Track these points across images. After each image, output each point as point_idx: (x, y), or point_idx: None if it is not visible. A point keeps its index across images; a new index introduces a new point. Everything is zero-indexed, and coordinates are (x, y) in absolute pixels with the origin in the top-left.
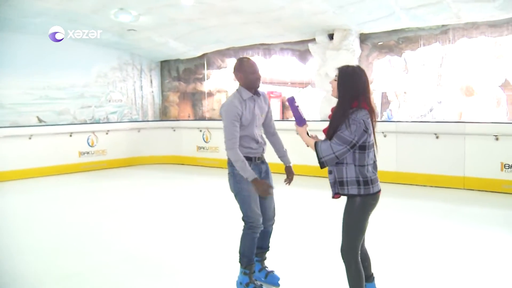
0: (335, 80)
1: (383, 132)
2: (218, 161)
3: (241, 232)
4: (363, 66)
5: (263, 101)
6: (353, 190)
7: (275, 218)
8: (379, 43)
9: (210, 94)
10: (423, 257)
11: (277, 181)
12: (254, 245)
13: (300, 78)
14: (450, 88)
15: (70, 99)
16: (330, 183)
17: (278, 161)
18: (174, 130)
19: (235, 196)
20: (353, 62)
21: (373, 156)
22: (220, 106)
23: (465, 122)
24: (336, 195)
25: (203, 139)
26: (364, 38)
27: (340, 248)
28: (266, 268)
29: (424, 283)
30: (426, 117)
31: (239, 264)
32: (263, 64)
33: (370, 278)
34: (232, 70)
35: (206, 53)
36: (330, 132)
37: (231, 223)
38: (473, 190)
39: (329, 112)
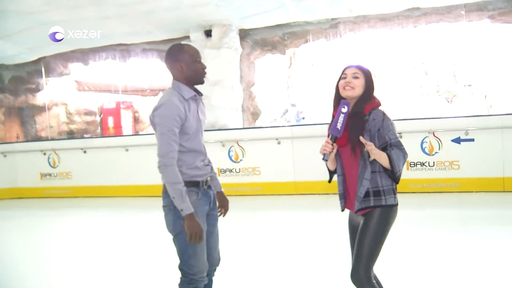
0: (357, 78)
1: (277, 139)
2: (72, 189)
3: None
4: (244, 66)
5: (202, 104)
6: (391, 200)
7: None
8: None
9: (45, 108)
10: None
11: None
12: None
13: (163, 84)
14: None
15: None
16: (358, 196)
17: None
18: (5, 156)
19: (175, 237)
20: (236, 61)
21: None
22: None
23: None
24: (362, 210)
25: (49, 163)
26: (244, 35)
27: (357, 273)
28: None
29: None
30: (279, 120)
31: None
32: (119, 69)
33: None
34: (168, 58)
35: (44, 57)
36: (355, 137)
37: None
38: None
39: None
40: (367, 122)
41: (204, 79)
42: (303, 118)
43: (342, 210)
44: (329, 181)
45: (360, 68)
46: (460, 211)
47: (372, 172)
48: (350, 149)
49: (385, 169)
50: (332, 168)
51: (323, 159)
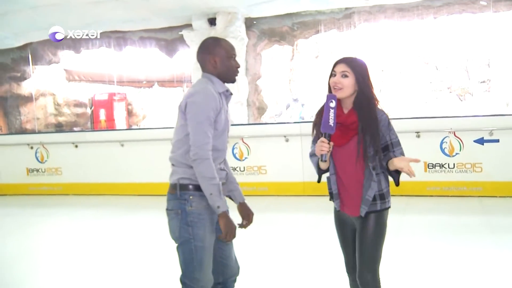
0: (346, 76)
1: (285, 136)
2: (62, 186)
3: None
4: (250, 57)
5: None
6: (389, 202)
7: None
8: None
9: (31, 99)
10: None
11: None
12: None
13: (161, 75)
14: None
15: None
16: (366, 199)
17: None
18: None
19: (179, 245)
20: (242, 52)
21: None
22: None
23: None
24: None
25: (37, 158)
26: (249, 24)
27: (365, 280)
28: None
29: None
30: (281, 116)
31: None
32: (114, 58)
33: None
34: (201, 50)
35: (31, 43)
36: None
37: None
38: (395, 196)
39: None
40: None
41: (237, 76)
42: None
43: (339, 210)
44: (318, 181)
45: (349, 64)
46: (485, 218)
47: (378, 174)
48: (355, 158)
49: (388, 170)
50: (325, 167)
51: (321, 160)
